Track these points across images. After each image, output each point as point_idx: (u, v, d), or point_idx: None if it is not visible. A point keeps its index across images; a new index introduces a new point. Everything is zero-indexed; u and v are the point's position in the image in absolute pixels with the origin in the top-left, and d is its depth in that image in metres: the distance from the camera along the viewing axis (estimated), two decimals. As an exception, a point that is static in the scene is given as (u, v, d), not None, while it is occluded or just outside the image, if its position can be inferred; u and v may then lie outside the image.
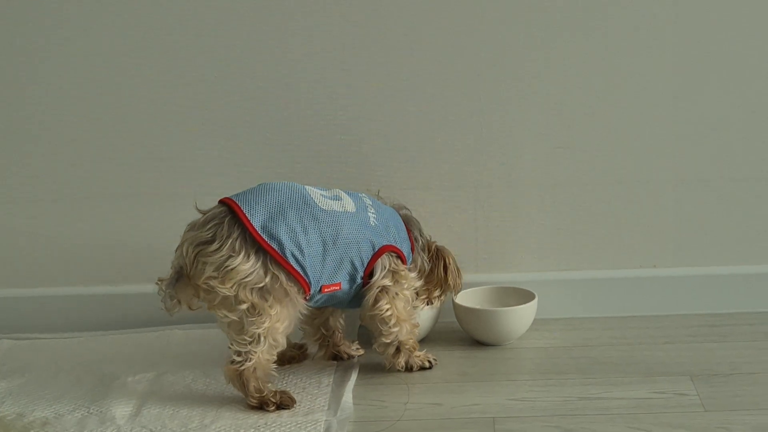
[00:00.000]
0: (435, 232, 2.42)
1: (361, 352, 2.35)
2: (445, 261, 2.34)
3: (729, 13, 2.40)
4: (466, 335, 2.44)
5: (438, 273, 2.34)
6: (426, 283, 2.33)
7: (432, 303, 2.36)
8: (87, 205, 2.55)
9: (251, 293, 2.07)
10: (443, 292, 2.36)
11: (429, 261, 2.32)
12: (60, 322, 2.56)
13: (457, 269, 2.36)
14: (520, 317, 2.38)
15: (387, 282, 2.20)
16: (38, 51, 2.47)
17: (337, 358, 2.33)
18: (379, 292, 2.20)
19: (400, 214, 2.29)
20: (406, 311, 2.24)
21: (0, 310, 2.57)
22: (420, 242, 2.30)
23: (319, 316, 2.30)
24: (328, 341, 2.33)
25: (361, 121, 2.47)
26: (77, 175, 2.53)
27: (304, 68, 2.45)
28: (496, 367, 2.30)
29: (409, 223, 2.29)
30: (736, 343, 2.35)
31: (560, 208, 2.50)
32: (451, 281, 2.34)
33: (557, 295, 2.50)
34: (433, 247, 2.34)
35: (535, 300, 2.39)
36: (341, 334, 2.33)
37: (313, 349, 2.35)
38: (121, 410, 2.13)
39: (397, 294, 2.21)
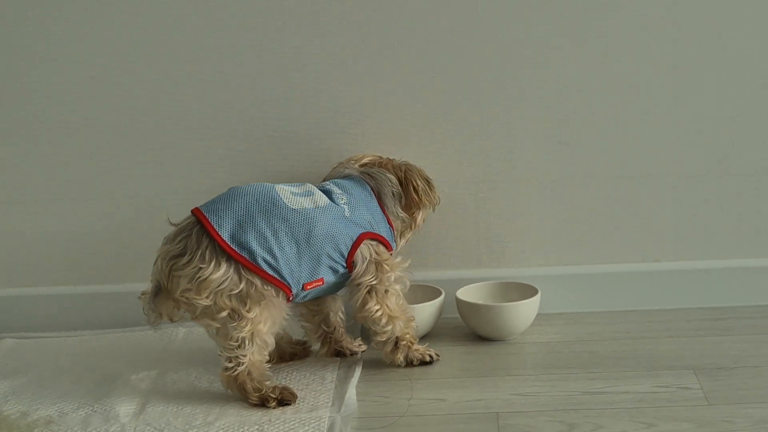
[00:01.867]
0: (436, 228, 2.43)
1: (364, 348, 2.35)
2: (413, 184, 2.31)
3: (728, 11, 2.39)
4: (469, 331, 2.44)
5: (412, 198, 2.31)
6: (406, 212, 2.31)
7: (417, 227, 2.33)
8: (89, 205, 2.54)
9: (229, 300, 2.07)
10: (421, 211, 2.33)
11: (403, 206, 2.30)
12: (63, 321, 2.56)
13: (428, 184, 2.33)
14: (523, 312, 2.38)
15: (372, 280, 2.19)
16: (38, 51, 2.47)
17: (339, 354, 2.33)
18: (367, 293, 2.20)
19: (370, 186, 2.26)
20: (399, 307, 2.23)
21: (3, 309, 2.57)
22: (392, 209, 2.27)
23: (318, 313, 2.31)
24: (330, 338, 2.32)
25: (361, 119, 2.47)
26: (79, 175, 2.53)
27: (303, 68, 2.45)
28: (500, 363, 2.29)
29: (382, 198, 2.27)
30: (740, 336, 2.35)
31: (562, 204, 2.50)
32: (425, 200, 2.32)
33: (560, 289, 2.50)
34: (402, 173, 2.31)
35: (538, 295, 2.39)
36: (343, 329, 2.33)
37: (315, 346, 2.35)
38: (125, 408, 2.13)
39: (386, 291, 2.21)
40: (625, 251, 2.51)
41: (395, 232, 2.28)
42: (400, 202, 2.31)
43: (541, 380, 2.19)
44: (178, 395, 2.19)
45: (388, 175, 2.30)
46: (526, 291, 2.42)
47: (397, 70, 2.45)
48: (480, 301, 2.42)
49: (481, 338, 2.41)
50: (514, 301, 2.40)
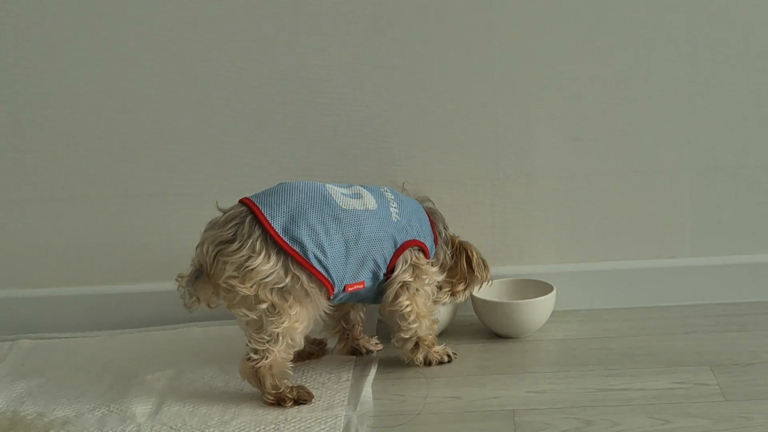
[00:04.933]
0: (452, 225, 2.42)
1: (380, 347, 2.35)
2: (467, 253, 2.33)
3: (746, 4, 2.38)
4: (485, 328, 2.43)
5: (461, 266, 2.33)
6: (449, 276, 2.32)
7: (456, 296, 2.35)
8: (105, 204, 2.55)
9: (271, 293, 2.06)
10: (468, 285, 2.35)
11: (452, 256, 2.32)
12: (79, 321, 2.56)
13: (483, 262, 2.35)
14: (539, 309, 2.37)
15: (407, 277, 2.19)
16: (53, 50, 2.47)
17: (355, 352, 2.33)
18: (400, 287, 2.20)
19: (424, 207, 2.28)
20: (426, 307, 2.23)
21: (19, 310, 2.58)
22: (443, 235, 2.29)
23: (339, 309, 2.30)
24: (348, 334, 2.32)
25: (378, 117, 2.47)
26: (96, 174, 2.53)
27: (322, 66, 2.45)
28: (516, 360, 2.29)
29: (434, 216, 2.28)
30: (757, 332, 2.34)
31: (577, 200, 2.49)
32: (477, 273, 2.33)
33: (576, 286, 2.49)
34: (457, 241, 2.34)
35: (554, 292, 2.39)
36: (361, 328, 2.33)
37: (332, 341, 2.35)
38: (141, 408, 2.14)
39: (417, 290, 2.21)
40: (641, 247, 2.50)
41: (435, 250, 2.27)
42: (447, 246, 2.30)
43: (557, 377, 2.18)
44: (194, 395, 2.19)
45: (443, 217, 2.31)
46: (541, 288, 2.42)
47: (413, 66, 2.45)
48: (495, 299, 2.42)
49: (496, 336, 2.41)
50: (530, 298, 2.39)
